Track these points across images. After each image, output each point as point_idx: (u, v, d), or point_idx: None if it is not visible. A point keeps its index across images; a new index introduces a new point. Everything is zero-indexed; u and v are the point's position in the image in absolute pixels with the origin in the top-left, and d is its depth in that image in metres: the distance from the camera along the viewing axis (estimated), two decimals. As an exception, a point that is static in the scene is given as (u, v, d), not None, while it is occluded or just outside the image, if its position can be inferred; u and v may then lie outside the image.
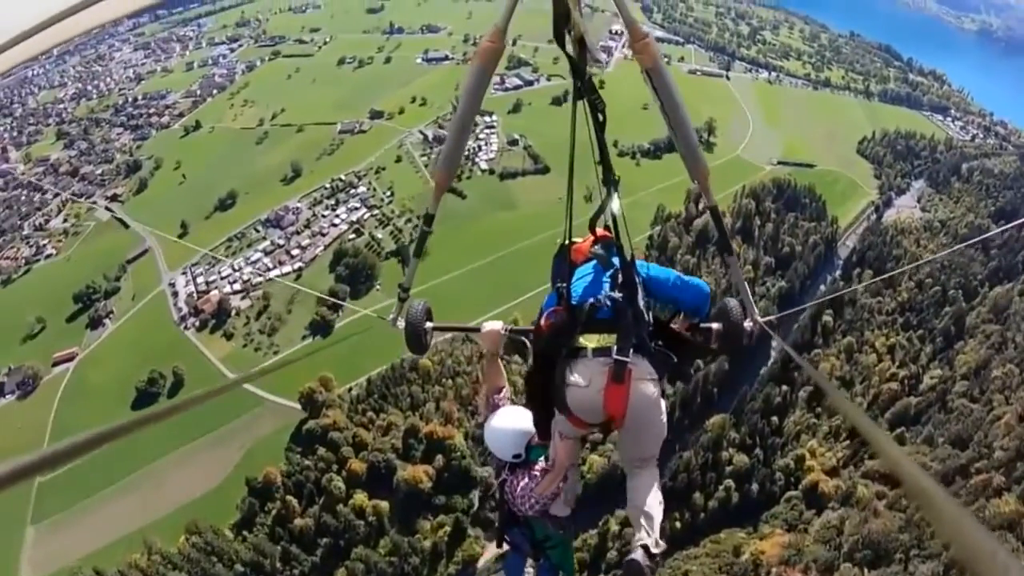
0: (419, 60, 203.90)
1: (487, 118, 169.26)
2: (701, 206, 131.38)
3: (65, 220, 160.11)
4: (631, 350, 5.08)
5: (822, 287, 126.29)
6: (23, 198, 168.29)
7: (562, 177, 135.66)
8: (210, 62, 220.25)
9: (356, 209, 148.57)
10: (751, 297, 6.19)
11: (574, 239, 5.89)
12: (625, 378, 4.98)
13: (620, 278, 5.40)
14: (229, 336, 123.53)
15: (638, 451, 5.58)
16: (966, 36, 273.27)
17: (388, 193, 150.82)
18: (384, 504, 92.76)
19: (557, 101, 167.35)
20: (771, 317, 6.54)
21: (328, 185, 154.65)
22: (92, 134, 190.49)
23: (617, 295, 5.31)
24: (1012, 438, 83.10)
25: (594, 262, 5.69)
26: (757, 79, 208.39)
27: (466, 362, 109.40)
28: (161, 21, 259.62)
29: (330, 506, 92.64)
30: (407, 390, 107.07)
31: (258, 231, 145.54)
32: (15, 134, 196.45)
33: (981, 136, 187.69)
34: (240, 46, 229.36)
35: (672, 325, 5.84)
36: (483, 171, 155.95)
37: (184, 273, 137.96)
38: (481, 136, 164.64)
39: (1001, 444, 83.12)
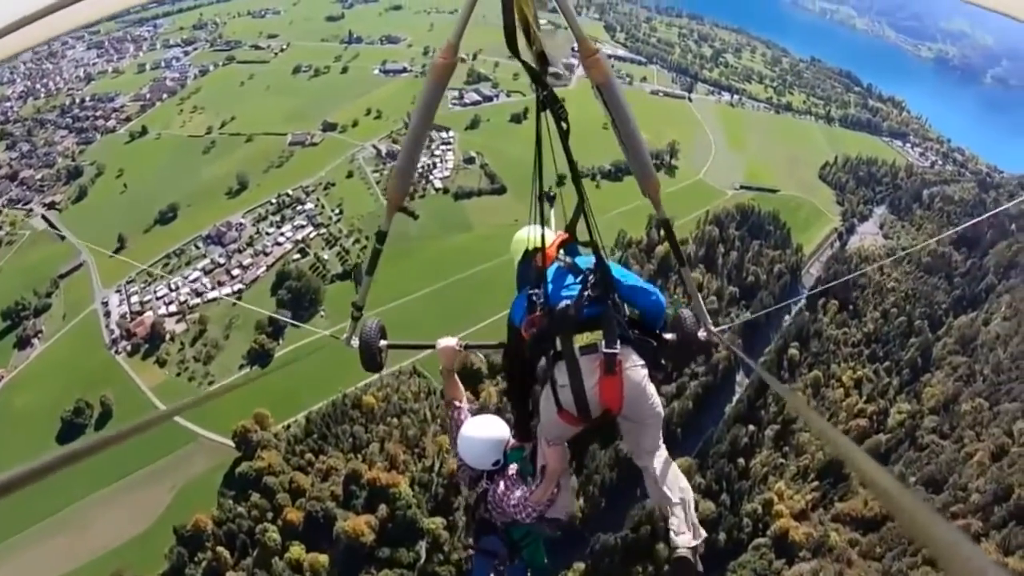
0: (376, 71, 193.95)
1: (443, 134, 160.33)
2: (662, 232, 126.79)
3: (0, 228, 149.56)
4: (617, 342, 5.17)
5: (787, 318, 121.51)
6: None
7: (519, 200, 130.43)
8: (163, 65, 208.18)
9: (302, 227, 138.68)
10: (704, 308, 6.14)
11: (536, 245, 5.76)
12: (617, 369, 5.12)
13: (592, 279, 5.45)
14: (162, 363, 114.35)
15: (643, 439, 5.59)
16: (923, 64, 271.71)
17: (337, 211, 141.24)
18: (323, 557, 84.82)
19: (516, 118, 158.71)
20: (724, 327, 6.91)
21: (274, 200, 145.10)
22: (36, 135, 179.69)
23: (591, 294, 5.37)
24: (988, 479, 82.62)
25: (556, 265, 5.74)
26: (720, 101, 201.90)
27: (413, 398, 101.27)
28: (118, 20, 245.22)
29: (264, 559, 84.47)
30: (349, 429, 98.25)
31: (198, 248, 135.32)
32: None
33: (940, 162, 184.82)
34: (195, 49, 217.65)
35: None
36: (437, 190, 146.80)
37: (118, 291, 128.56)
38: (436, 153, 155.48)
39: (976, 486, 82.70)
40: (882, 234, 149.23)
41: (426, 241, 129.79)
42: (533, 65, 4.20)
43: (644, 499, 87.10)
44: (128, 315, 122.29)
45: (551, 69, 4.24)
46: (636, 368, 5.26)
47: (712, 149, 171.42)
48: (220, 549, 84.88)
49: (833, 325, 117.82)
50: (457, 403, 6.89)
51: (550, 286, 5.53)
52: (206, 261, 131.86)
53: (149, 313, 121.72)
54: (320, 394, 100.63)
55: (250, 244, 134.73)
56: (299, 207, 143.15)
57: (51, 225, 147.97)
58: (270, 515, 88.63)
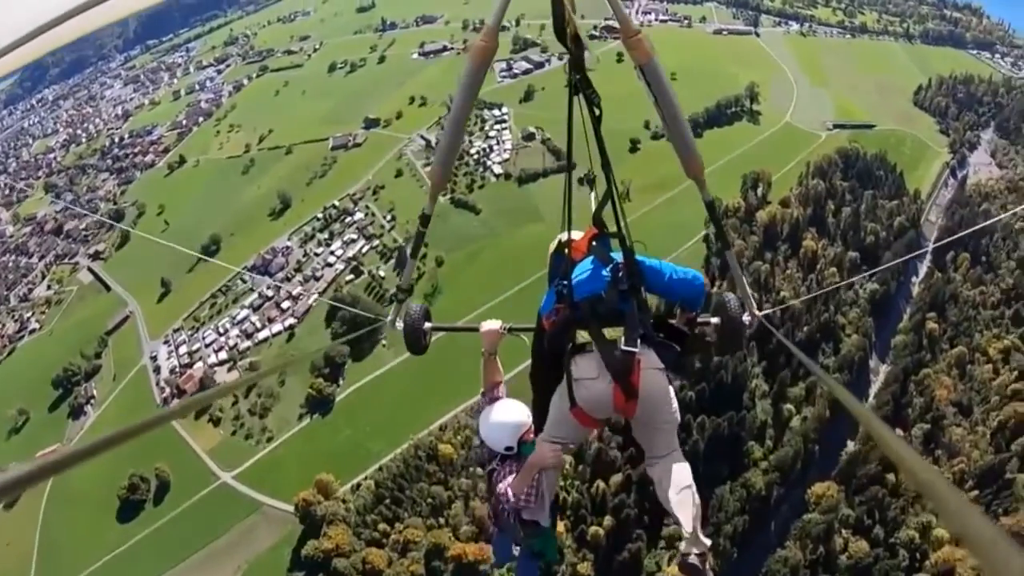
0: (415, 55, 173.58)
1: (496, 111, 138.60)
2: (760, 191, 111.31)
3: (49, 287, 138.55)
4: (638, 341, 4.86)
5: (914, 280, 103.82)
6: (10, 264, 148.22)
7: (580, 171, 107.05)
8: (197, 87, 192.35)
9: (352, 242, 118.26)
10: (749, 291, 5.85)
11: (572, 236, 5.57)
12: (635, 368, 4.81)
13: (621, 272, 5.10)
14: (216, 421, 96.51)
15: (655, 443, 5.22)
16: None
17: (389, 217, 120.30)
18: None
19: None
20: (769, 311, 6.36)
21: (320, 215, 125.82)
22: (78, 183, 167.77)
23: (621, 288, 5.05)
24: None
25: (591, 258, 5.39)
26: (789, 32, 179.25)
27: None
28: (152, 51, 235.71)
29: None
30: (427, 488, 78.56)
31: (244, 281, 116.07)
32: (7, 192, 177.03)
33: None
34: (228, 66, 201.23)
35: (671, 320, 5.50)
36: (497, 176, 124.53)
37: (166, 342, 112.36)
38: (491, 134, 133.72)
39: None
40: (996, 163, 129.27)
41: (494, 239, 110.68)
42: (571, 49, 3.97)
43: (780, 546, 74.04)
44: (177, 368, 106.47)
45: (586, 53, 4.04)
46: (655, 371, 4.89)
47: (793, 87, 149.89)
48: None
49: (968, 284, 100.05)
50: (495, 388, 6.29)
51: (579, 279, 5.22)
52: (254, 296, 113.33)
53: (199, 364, 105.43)
54: (388, 442, 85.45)
55: (299, 270, 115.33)
56: (348, 219, 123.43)
57: (96, 277, 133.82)
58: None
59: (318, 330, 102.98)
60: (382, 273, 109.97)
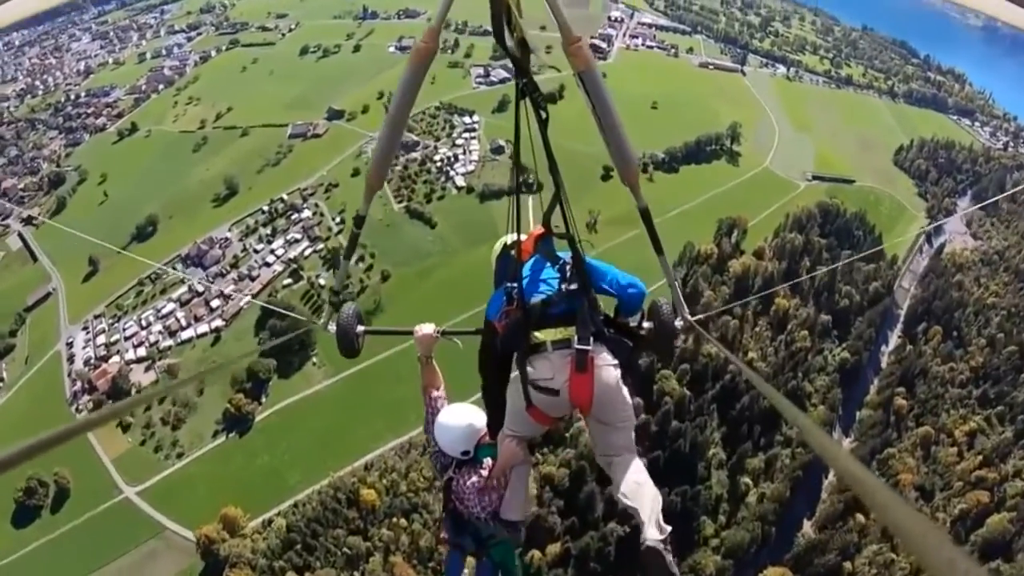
0: (392, 49, 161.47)
1: (467, 119, 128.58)
2: (734, 239, 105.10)
3: None
4: (591, 339, 4.82)
5: (884, 349, 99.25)
6: None
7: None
8: (163, 52, 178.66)
9: (296, 242, 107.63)
10: (681, 296, 5.78)
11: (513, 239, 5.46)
12: (588, 367, 4.76)
13: (569, 272, 5.11)
14: (126, 427, 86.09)
15: (611, 441, 5.10)
16: (972, 32, 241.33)
17: (338, 220, 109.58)
18: None
19: (552, 98, 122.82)
20: (700, 316, 6.23)
21: (266, 208, 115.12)
22: (25, 138, 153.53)
23: (570, 288, 5.04)
24: None
25: (534, 259, 5.35)
26: (775, 74, 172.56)
27: (426, 486, 70.58)
28: (127, 7, 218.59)
29: None
30: (343, 536, 69.13)
31: (176, 270, 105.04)
32: None
33: (1011, 143, 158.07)
34: (199, 34, 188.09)
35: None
36: (459, 188, 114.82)
37: (85, 328, 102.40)
38: (459, 142, 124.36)
39: None
40: (971, 233, 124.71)
41: (448, 256, 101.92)
42: (516, 53, 3.92)
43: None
44: (93, 360, 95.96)
45: (532, 57, 4.01)
46: (609, 367, 4.82)
47: (775, 131, 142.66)
48: None
49: (938, 360, 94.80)
50: (434, 391, 6.35)
51: (527, 280, 5.16)
52: (183, 289, 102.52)
53: (115, 359, 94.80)
54: (306, 474, 77.01)
55: (234, 266, 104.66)
56: (294, 215, 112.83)
57: (25, 245, 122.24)
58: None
59: (245, 336, 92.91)
60: (322, 281, 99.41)
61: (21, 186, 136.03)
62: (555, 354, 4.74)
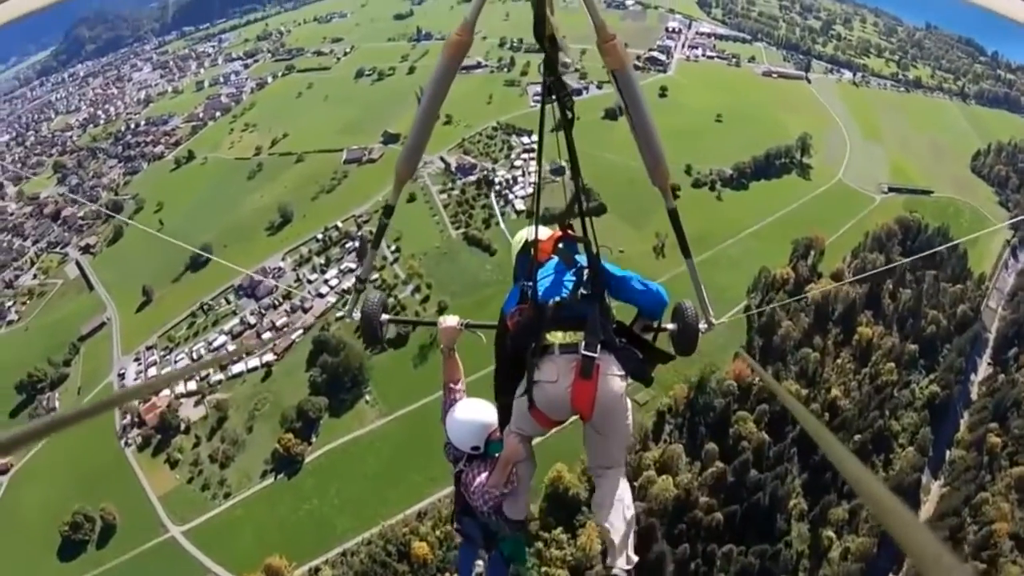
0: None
1: (524, 139, 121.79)
2: (811, 260, 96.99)
3: (35, 276, 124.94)
4: (598, 346, 4.76)
5: (973, 378, 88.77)
6: (4, 244, 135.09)
7: (623, 220, 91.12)
8: (221, 80, 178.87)
9: (350, 272, 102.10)
10: (707, 299, 5.82)
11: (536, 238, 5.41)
12: (593, 374, 4.69)
13: (586, 276, 5.08)
14: (174, 463, 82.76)
15: (604, 453, 5.16)
16: None
17: (393, 249, 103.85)
18: None
19: (611, 114, 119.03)
20: (724, 319, 6.23)
21: (320, 236, 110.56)
22: (86, 166, 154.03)
23: (584, 292, 5.01)
24: None
25: (556, 260, 5.35)
26: (840, 80, 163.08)
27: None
28: (186, 37, 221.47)
29: None
30: (393, 594, 62.18)
31: (228, 301, 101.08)
32: (20, 166, 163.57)
33: None
34: (256, 61, 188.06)
35: (632, 325, 5.43)
36: (519, 212, 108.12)
37: (137, 359, 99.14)
38: (517, 164, 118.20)
39: None
40: None
41: (506, 286, 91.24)
42: (547, 49, 3.91)
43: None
44: None
45: (562, 56, 3.98)
46: (614, 377, 4.75)
47: (846, 141, 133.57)
48: None
49: None
50: (453, 385, 6.29)
51: (544, 280, 5.17)
52: (235, 321, 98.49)
53: (165, 392, 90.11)
54: (356, 520, 71.67)
55: (287, 297, 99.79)
56: (349, 243, 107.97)
57: (83, 273, 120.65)
58: None
59: (297, 371, 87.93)
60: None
61: (80, 214, 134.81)
62: (562, 358, 4.64)
